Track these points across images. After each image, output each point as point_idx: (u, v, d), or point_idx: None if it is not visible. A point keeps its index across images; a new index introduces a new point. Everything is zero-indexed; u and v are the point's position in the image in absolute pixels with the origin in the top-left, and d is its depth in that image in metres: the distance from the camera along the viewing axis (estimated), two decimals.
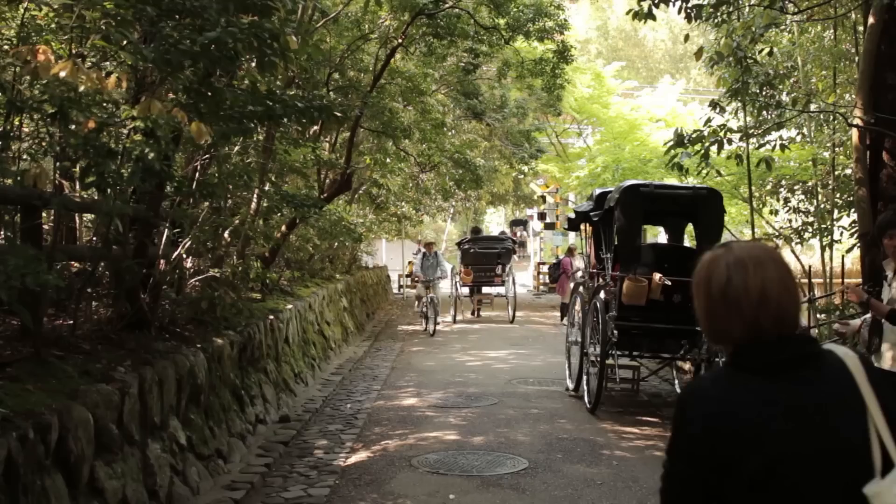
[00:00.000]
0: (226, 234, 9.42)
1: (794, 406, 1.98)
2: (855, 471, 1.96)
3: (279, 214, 11.47)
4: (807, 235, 13.83)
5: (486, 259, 20.73)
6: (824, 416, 1.98)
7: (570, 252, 21.24)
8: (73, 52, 5.91)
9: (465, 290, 21.18)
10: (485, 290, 21.77)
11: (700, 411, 2.05)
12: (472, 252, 20.85)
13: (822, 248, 13.05)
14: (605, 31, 54.10)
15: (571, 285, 15.70)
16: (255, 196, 10.37)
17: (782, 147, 10.90)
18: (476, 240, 21.76)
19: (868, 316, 5.88)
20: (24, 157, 5.85)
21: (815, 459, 1.95)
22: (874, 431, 1.99)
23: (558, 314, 21.34)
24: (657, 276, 9.38)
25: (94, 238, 6.83)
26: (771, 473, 1.94)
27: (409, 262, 30.47)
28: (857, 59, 10.54)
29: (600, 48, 53.16)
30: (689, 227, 11.19)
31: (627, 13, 10.12)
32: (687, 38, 10.84)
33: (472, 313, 21.73)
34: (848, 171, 11.79)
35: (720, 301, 2.14)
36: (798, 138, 14.05)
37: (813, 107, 11.68)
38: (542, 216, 33.41)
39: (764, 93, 11.21)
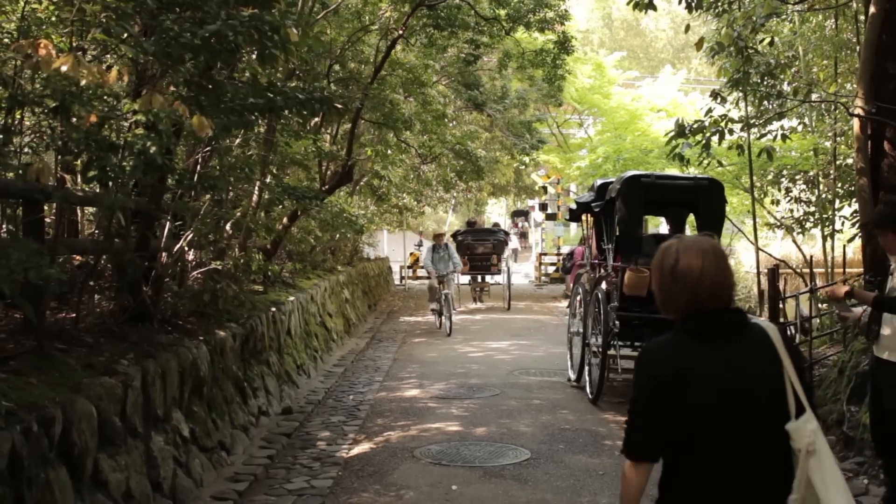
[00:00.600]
0: (227, 227, 9.42)
1: (723, 360, 2.66)
2: (773, 409, 2.65)
3: (281, 207, 11.48)
4: (808, 225, 13.83)
5: (481, 249, 21.61)
6: (746, 369, 2.66)
7: (583, 242, 21.28)
8: (74, 45, 5.91)
9: (465, 279, 22.17)
10: (482, 278, 22.46)
11: (652, 365, 2.74)
12: (466, 243, 21.64)
13: (824, 238, 13.05)
14: (609, 21, 53.99)
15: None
16: (256, 188, 10.37)
17: (783, 137, 10.90)
18: (470, 231, 22.59)
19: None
20: (26, 150, 5.86)
21: (740, 399, 2.63)
22: (789, 384, 2.67)
23: (560, 305, 21.36)
24: None
25: (96, 231, 6.84)
26: (702, 410, 2.62)
27: (411, 254, 30.49)
28: (858, 48, 10.52)
29: (602, 38, 53.10)
30: (691, 218, 11.19)
31: (628, 3, 10.10)
32: (688, 28, 10.82)
33: (474, 301, 22.35)
34: (849, 161, 11.78)
35: (669, 279, 2.77)
36: (799, 128, 14.04)
37: (814, 96, 11.67)
38: (543, 207, 33.35)
39: (765, 82, 11.19)
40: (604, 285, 9.99)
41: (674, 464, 2.78)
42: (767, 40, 11.07)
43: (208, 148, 7.96)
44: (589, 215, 11.66)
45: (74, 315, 6.21)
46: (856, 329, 7.21)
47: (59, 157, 5.94)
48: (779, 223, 14.69)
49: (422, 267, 30.81)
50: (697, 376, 2.65)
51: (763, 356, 2.71)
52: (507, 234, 23.53)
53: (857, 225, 10.55)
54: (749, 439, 2.64)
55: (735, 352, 2.70)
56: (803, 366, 2.78)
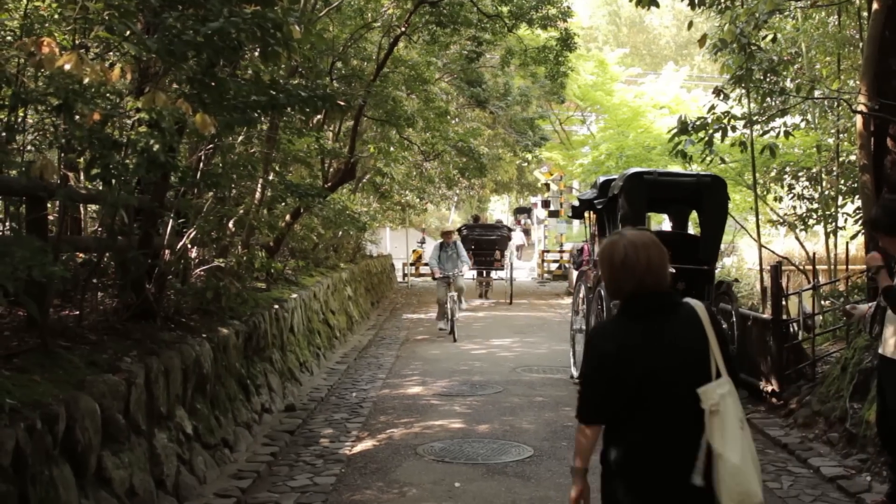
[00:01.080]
0: (230, 224, 9.43)
1: (658, 335, 3.21)
2: (698, 376, 3.18)
3: (283, 204, 11.48)
4: (811, 222, 13.80)
5: (485, 245, 22.27)
6: (679, 342, 3.21)
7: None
8: (77, 43, 5.92)
9: (472, 273, 22.56)
10: (487, 273, 23.20)
11: (599, 343, 3.33)
12: (470, 238, 22.09)
13: (827, 235, 13.03)
14: (616, 18, 53.91)
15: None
16: (259, 186, 10.38)
17: (786, 134, 10.88)
18: (474, 227, 23.35)
19: (875, 303, 5.89)
20: (29, 148, 5.86)
21: (671, 368, 3.17)
22: (712, 353, 3.21)
23: (562, 302, 21.36)
24: None
25: (100, 229, 6.85)
26: (640, 377, 3.15)
27: (414, 251, 30.49)
28: (861, 45, 10.50)
29: (607, 35, 53.05)
30: (694, 215, 11.19)
31: (631, 0, 10.09)
32: (690, 25, 10.78)
33: (480, 296, 22.86)
34: (852, 158, 11.76)
35: (620, 268, 3.27)
36: (802, 125, 14.00)
37: (817, 93, 11.64)
38: (546, 204, 33.35)
39: (768, 79, 11.17)
40: None
41: (617, 420, 3.26)
42: (770, 37, 11.04)
43: (211, 145, 7.97)
44: (592, 212, 11.66)
45: (78, 312, 6.22)
46: (860, 325, 7.21)
47: (63, 154, 5.95)
48: (781, 220, 14.67)
49: (425, 264, 31.03)
50: (637, 350, 3.20)
51: (692, 331, 3.25)
52: (510, 230, 24.20)
53: (860, 222, 10.54)
54: (678, 399, 3.17)
55: (668, 328, 3.24)
56: (725, 339, 3.33)
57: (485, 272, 22.99)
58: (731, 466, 3.12)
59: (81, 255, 6.85)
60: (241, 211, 9.80)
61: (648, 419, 3.20)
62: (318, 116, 12.88)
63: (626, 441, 3.25)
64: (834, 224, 12.82)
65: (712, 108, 10.30)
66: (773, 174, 14.39)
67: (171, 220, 7.53)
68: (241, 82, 6.51)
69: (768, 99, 11.78)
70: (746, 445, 3.22)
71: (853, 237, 12.62)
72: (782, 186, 14.41)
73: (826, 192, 13.11)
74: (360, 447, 7.67)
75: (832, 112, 12.83)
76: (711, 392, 3.17)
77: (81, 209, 7.24)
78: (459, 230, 22.74)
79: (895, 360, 5.50)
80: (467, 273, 17.49)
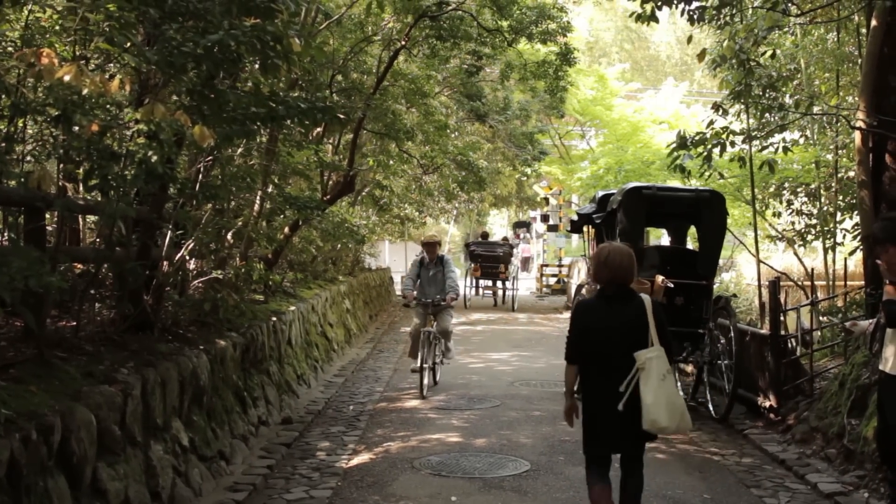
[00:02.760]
0: (229, 236, 9.43)
1: (617, 313, 5.22)
2: (636, 343, 5.14)
3: (282, 216, 11.49)
4: (809, 238, 13.83)
5: (492, 259, 24.60)
6: (627, 320, 5.19)
7: None
8: (77, 54, 5.93)
9: (481, 283, 26.48)
10: (494, 283, 25.73)
11: (580, 313, 5.45)
12: (477, 253, 24.78)
13: (825, 251, 13.05)
14: (623, 32, 53.98)
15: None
16: (258, 198, 10.39)
17: (785, 149, 10.90)
18: (481, 243, 26.16)
19: (875, 319, 5.87)
20: (28, 158, 5.87)
21: (619, 336, 5.17)
22: (650, 328, 5.16)
23: (561, 316, 21.34)
24: (660, 278, 9.39)
25: (98, 240, 6.85)
26: (600, 339, 5.21)
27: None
28: (859, 61, 10.54)
29: (608, 50, 53.16)
30: (692, 230, 11.19)
31: (630, 16, 10.12)
32: (690, 40, 10.82)
33: (495, 304, 25.09)
34: (851, 174, 11.79)
35: (603, 264, 5.27)
36: (801, 140, 14.04)
37: (816, 109, 11.67)
38: (545, 218, 33.38)
39: (767, 95, 11.21)
40: None
41: (586, 367, 5.37)
42: (769, 53, 11.08)
43: (210, 157, 7.97)
44: (590, 227, 11.67)
45: (75, 323, 6.22)
46: (859, 342, 7.20)
47: (61, 165, 5.95)
48: (780, 235, 14.69)
49: None
50: (600, 320, 5.29)
51: (638, 315, 5.24)
52: (512, 247, 26.74)
53: (859, 237, 10.55)
54: (623, 356, 5.18)
55: (623, 310, 5.27)
56: (664, 322, 5.29)
57: (492, 282, 25.60)
58: (645, 405, 5.10)
59: (79, 265, 6.84)
60: (240, 223, 9.80)
61: (600, 366, 5.28)
62: (318, 129, 12.90)
63: (587, 378, 5.38)
64: (833, 240, 12.83)
65: (711, 123, 10.33)
66: (771, 189, 14.42)
67: (169, 232, 7.53)
68: (241, 94, 6.52)
69: (767, 114, 11.82)
70: (662, 392, 5.10)
71: (852, 253, 12.63)
72: (781, 202, 14.44)
73: (825, 208, 13.13)
74: (356, 460, 7.64)
75: (831, 128, 12.87)
76: (642, 355, 5.16)
77: (80, 220, 7.24)
78: (467, 245, 26.49)
79: (894, 375, 5.49)
80: (460, 299, 13.11)
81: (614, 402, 5.12)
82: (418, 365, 10.74)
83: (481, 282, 26.50)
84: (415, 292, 11.37)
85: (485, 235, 29.26)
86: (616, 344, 5.19)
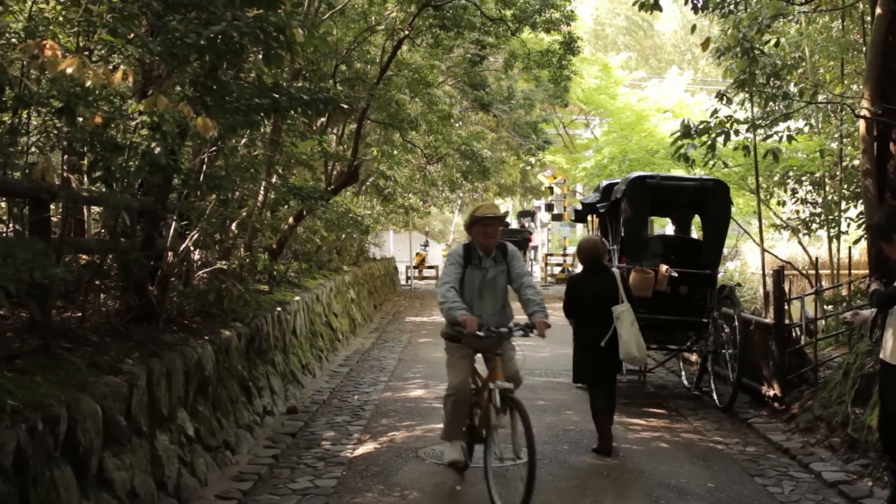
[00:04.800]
0: (233, 227, 9.45)
1: (596, 281, 7.78)
2: (611, 301, 7.68)
3: (286, 206, 11.50)
4: (814, 226, 13.81)
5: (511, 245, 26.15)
6: (604, 285, 7.73)
7: None
8: (80, 45, 5.93)
9: None
10: None
11: (572, 284, 8.05)
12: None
13: (830, 239, 13.04)
14: (627, 20, 53.83)
15: None
16: (262, 188, 10.39)
17: (789, 138, 10.88)
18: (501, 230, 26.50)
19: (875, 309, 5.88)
20: (32, 150, 5.88)
21: (599, 297, 7.70)
22: (620, 293, 7.72)
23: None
24: (664, 267, 9.39)
25: (102, 231, 6.86)
26: (586, 299, 7.75)
27: (417, 254, 30.52)
28: (864, 49, 10.50)
29: (613, 38, 53.03)
30: (697, 219, 11.19)
31: (634, 3, 10.10)
32: (694, 29, 10.79)
33: None
34: (855, 162, 11.76)
35: (581, 252, 7.95)
36: (805, 129, 14.01)
37: (820, 98, 11.66)
38: (549, 207, 33.44)
39: (771, 83, 11.19)
40: None
41: (577, 321, 7.82)
42: (773, 41, 11.05)
43: (214, 148, 7.98)
44: (594, 216, 11.67)
45: (80, 314, 6.24)
46: (862, 331, 7.21)
47: (65, 157, 5.96)
48: (784, 224, 14.67)
49: (429, 267, 31.23)
50: (585, 287, 7.77)
51: (610, 282, 7.71)
52: (530, 233, 30.21)
53: (863, 226, 10.53)
54: (602, 311, 7.62)
55: (600, 279, 7.73)
56: (629, 287, 8.63)
57: None
58: (622, 341, 7.53)
59: (84, 256, 6.86)
60: (244, 213, 9.81)
61: (588, 318, 7.74)
62: (322, 119, 12.90)
63: (579, 326, 7.85)
64: (837, 228, 12.81)
65: (715, 112, 10.30)
66: (776, 178, 14.39)
67: (173, 223, 7.54)
68: (244, 85, 6.52)
69: (771, 103, 11.79)
70: (633, 333, 7.57)
71: (856, 242, 12.61)
72: (785, 191, 14.41)
73: (829, 197, 13.11)
74: (361, 450, 7.67)
75: (835, 116, 12.84)
76: (617, 309, 7.63)
77: (84, 211, 7.25)
78: None
79: (895, 364, 5.49)
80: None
81: (598, 342, 7.58)
82: (460, 458, 6.54)
83: None
84: (459, 311, 6.24)
85: (505, 225, 30.98)
86: (597, 303, 7.68)
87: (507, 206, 53.46)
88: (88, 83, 4.70)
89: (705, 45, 10.08)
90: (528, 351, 13.51)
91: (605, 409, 7.56)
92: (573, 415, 9.12)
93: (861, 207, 11.01)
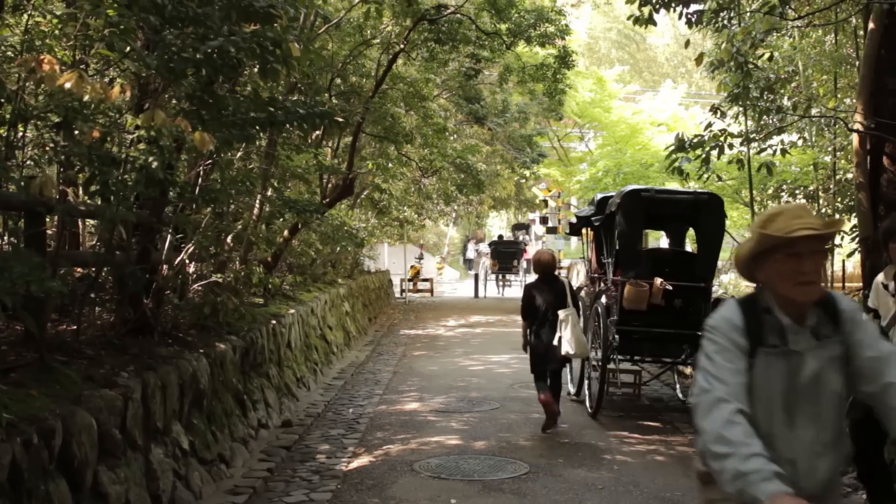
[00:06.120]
0: (228, 240, 9.45)
1: (547, 288, 9.05)
2: (559, 305, 8.86)
3: (281, 220, 11.50)
4: None
5: (507, 256, 30.14)
6: (554, 292, 8.99)
7: None
8: (77, 59, 5.95)
9: (493, 277, 31.47)
10: (505, 276, 31.10)
11: (528, 290, 9.25)
12: (497, 250, 30.57)
13: None
14: (621, 34, 54.00)
15: None
16: (257, 201, 10.41)
17: (783, 152, 10.93)
18: (499, 243, 31.89)
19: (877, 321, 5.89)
20: (29, 163, 5.88)
21: (549, 301, 8.92)
22: (568, 298, 8.96)
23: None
24: (658, 280, 9.41)
25: (98, 244, 6.86)
26: (537, 305, 8.98)
27: (412, 267, 30.53)
28: (857, 63, 10.57)
29: (607, 52, 53.18)
30: (691, 232, 11.21)
31: (629, 18, 10.16)
32: (688, 43, 10.86)
33: (498, 291, 30.67)
34: (849, 176, 11.82)
35: (537, 262, 9.30)
36: (799, 143, 14.08)
37: (814, 111, 11.70)
38: (544, 220, 33.50)
39: (765, 97, 11.24)
40: (603, 299, 10.01)
41: (531, 323, 9.04)
42: (767, 55, 11.11)
43: (210, 161, 7.99)
44: (589, 229, 11.69)
45: (75, 327, 6.23)
46: None
47: (62, 170, 5.97)
48: None
49: (423, 280, 31.37)
50: (538, 293, 9.03)
51: (560, 289, 9.01)
52: (525, 245, 32.84)
53: (857, 240, 10.57)
54: (551, 314, 8.86)
55: (552, 287, 9.05)
56: (574, 294, 9.35)
57: (504, 275, 30.97)
58: (564, 340, 8.66)
59: (79, 269, 6.87)
60: (240, 226, 9.82)
61: (539, 320, 8.94)
62: (317, 132, 12.92)
63: (533, 328, 9.00)
64: (831, 242, 12.84)
65: (709, 125, 10.35)
66: (770, 192, 14.46)
67: (169, 236, 7.55)
68: (240, 99, 6.55)
69: (765, 117, 11.85)
70: (576, 333, 8.72)
71: (850, 255, 12.66)
72: (779, 204, 14.45)
73: (823, 210, 13.15)
74: (356, 463, 7.66)
75: (829, 130, 12.91)
76: (563, 312, 8.72)
77: (80, 224, 7.25)
78: (491, 243, 32.81)
79: None
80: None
81: (547, 340, 8.87)
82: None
83: (492, 276, 31.81)
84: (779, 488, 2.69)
85: (501, 237, 35.27)
86: (547, 306, 8.92)
87: (502, 220, 53.60)
88: (86, 97, 4.71)
89: (699, 59, 10.14)
90: (523, 364, 13.58)
91: (548, 389, 8.98)
92: (568, 428, 9.13)
93: (854, 220, 11.06)
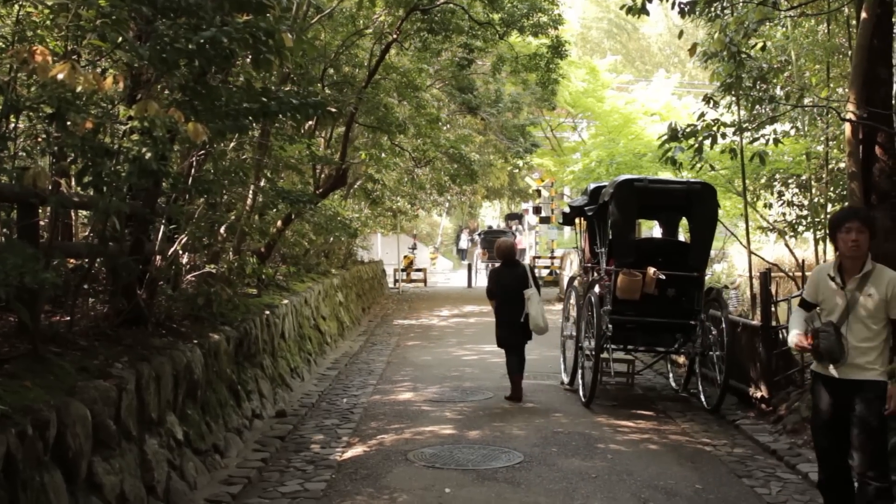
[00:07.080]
0: (222, 230, 9.44)
1: (510, 272, 10.38)
2: (522, 287, 10.13)
3: (275, 210, 11.50)
4: (801, 229, 13.86)
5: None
6: (516, 275, 10.29)
7: None
8: (69, 50, 5.93)
9: (482, 266, 32.66)
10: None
11: (494, 273, 10.82)
12: (487, 240, 32.17)
13: (816, 242, 13.09)
14: (614, 24, 53.90)
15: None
16: (250, 192, 10.40)
17: (776, 141, 10.93)
18: (490, 232, 34.70)
19: None
20: (21, 154, 5.87)
21: (513, 283, 10.20)
22: (529, 280, 10.22)
23: (553, 308, 21.40)
24: (651, 270, 9.43)
25: (91, 235, 6.86)
26: (503, 285, 10.31)
27: (405, 257, 30.54)
28: (850, 53, 10.57)
29: (599, 41, 53.12)
30: (684, 222, 11.23)
31: (622, 7, 10.14)
32: (681, 34, 10.84)
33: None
34: (841, 165, 11.83)
35: (500, 249, 10.69)
36: (792, 132, 14.07)
37: (806, 101, 11.70)
38: (537, 210, 33.50)
39: (757, 87, 11.25)
40: (597, 289, 10.03)
41: (498, 302, 10.34)
42: (760, 45, 11.10)
43: (203, 152, 7.98)
44: (582, 219, 11.70)
45: (69, 318, 6.23)
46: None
47: (55, 161, 5.96)
48: (771, 227, 14.72)
49: (417, 270, 31.42)
50: (503, 276, 10.39)
51: (522, 272, 10.38)
52: (515, 235, 34.01)
53: None
54: (516, 294, 10.13)
55: (514, 270, 10.39)
56: (535, 277, 10.53)
57: (495, 264, 30.59)
58: (532, 316, 9.94)
59: (73, 260, 6.85)
60: (233, 217, 9.81)
61: (505, 299, 10.21)
62: (310, 123, 12.90)
63: (498, 307, 10.32)
64: (823, 231, 12.86)
65: (702, 115, 10.35)
66: (762, 181, 14.45)
67: (162, 226, 7.54)
68: (233, 89, 6.54)
69: (758, 106, 11.84)
70: (540, 310, 10.00)
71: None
72: (772, 193, 14.47)
73: (815, 200, 13.17)
74: (350, 453, 7.68)
75: (821, 120, 12.90)
76: (527, 292, 10.07)
77: (73, 215, 7.24)
78: (481, 233, 35.76)
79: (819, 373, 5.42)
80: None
81: (515, 317, 10.05)
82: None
83: (482, 265, 33.11)
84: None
85: (491, 228, 38.81)
86: (513, 287, 10.10)
87: (495, 210, 53.60)
88: (79, 88, 4.70)
89: (692, 50, 10.13)
90: None
91: (518, 369, 10.20)
92: (561, 417, 9.16)
93: None
